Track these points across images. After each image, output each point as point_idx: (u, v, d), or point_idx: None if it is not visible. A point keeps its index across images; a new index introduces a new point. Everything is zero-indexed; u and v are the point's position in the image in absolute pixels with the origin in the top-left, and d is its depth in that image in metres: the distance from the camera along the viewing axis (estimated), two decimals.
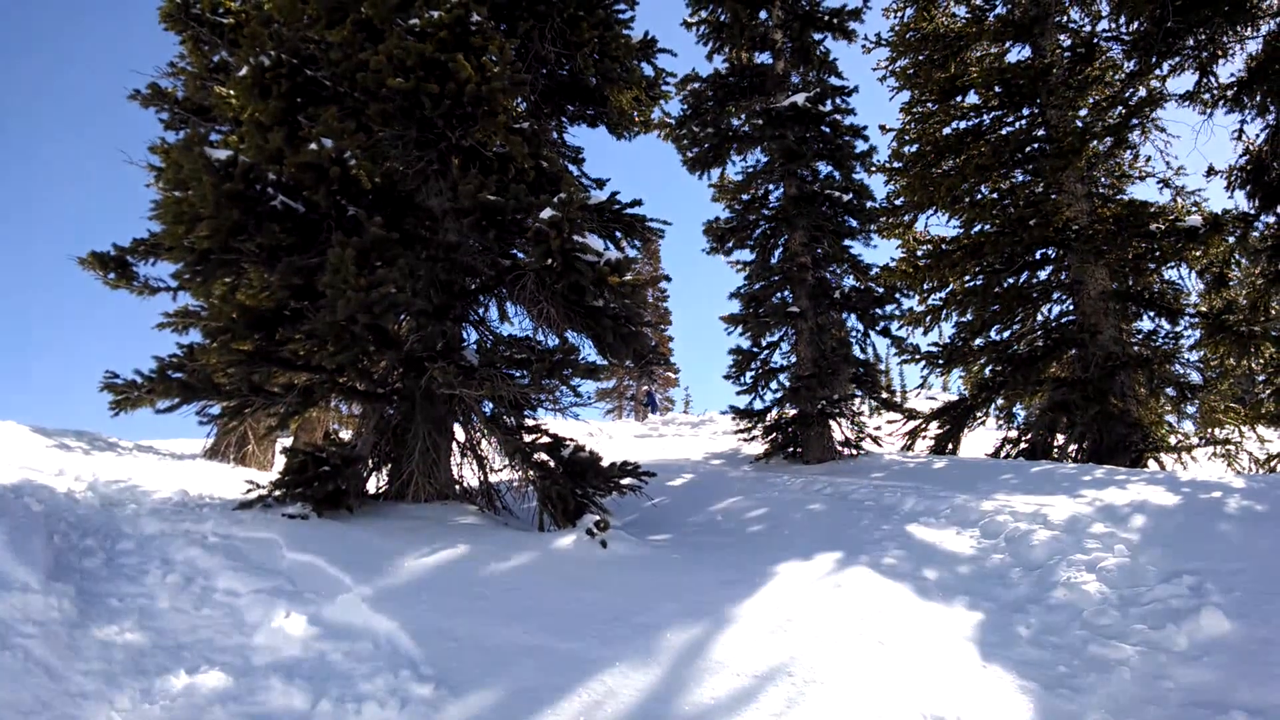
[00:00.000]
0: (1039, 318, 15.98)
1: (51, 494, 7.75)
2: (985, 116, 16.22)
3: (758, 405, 16.16)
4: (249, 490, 7.78)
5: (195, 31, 14.59)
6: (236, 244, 7.83)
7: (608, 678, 4.81)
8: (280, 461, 15.99)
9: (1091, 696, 4.77)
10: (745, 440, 16.50)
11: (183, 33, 14.81)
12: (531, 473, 7.92)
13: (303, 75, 8.60)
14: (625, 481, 8.25)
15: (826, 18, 16.75)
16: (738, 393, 16.36)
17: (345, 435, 16.25)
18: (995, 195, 16.10)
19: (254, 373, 8.10)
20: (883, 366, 15.57)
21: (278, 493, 7.50)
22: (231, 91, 12.60)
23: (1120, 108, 14.12)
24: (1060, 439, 14.73)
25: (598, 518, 7.47)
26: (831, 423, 15.05)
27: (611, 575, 6.62)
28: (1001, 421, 16.73)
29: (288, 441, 16.06)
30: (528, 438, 8.35)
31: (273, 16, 9.02)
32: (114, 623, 5.18)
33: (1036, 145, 15.40)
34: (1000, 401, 16.25)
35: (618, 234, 9.46)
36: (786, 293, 15.80)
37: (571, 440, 8.50)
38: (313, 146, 7.30)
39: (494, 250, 8.51)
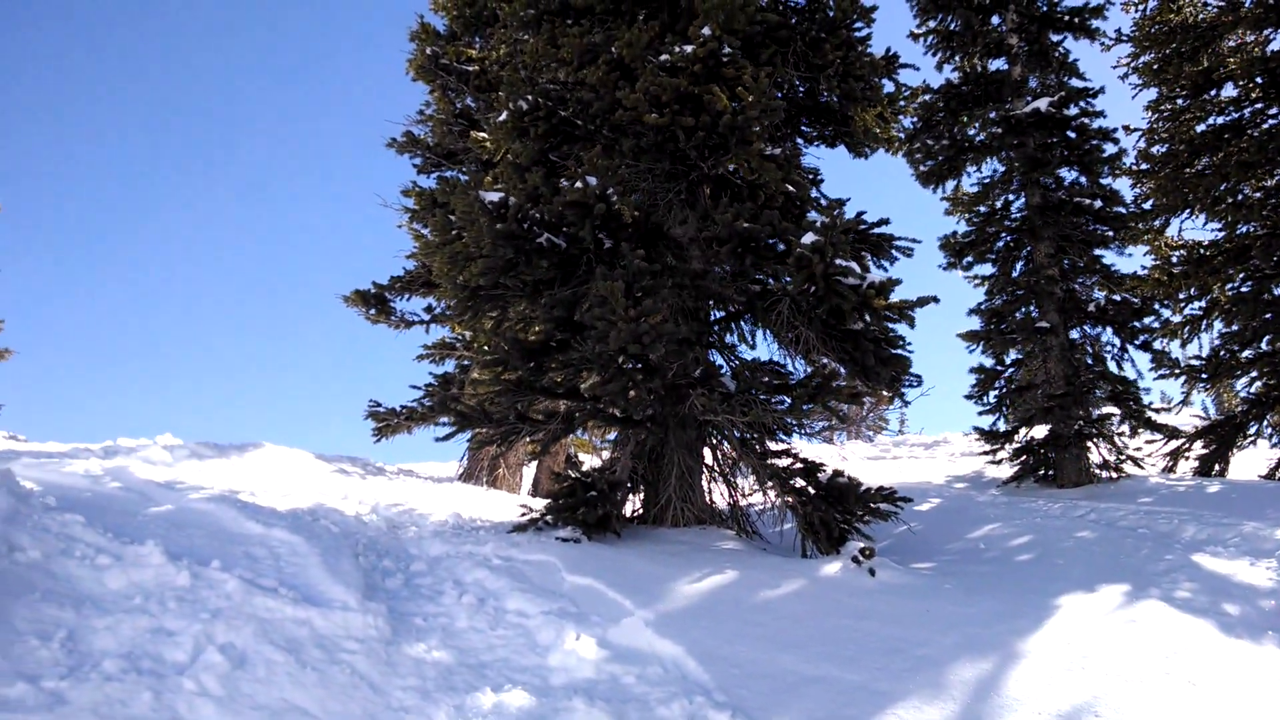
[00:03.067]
0: None
1: (342, 517, 8.39)
2: (1245, 110, 14.95)
3: (1002, 426, 15.48)
4: (522, 514, 8.15)
5: (443, 81, 15.57)
6: (505, 280, 8.27)
7: (902, 711, 4.72)
8: (527, 484, 16.73)
9: None
10: (990, 462, 15.80)
11: (431, 82, 15.85)
12: (789, 498, 7.90)
13: (557, 117, 9.00)
14: (882, 507, 8.10)
15: (1066, 17, 15.94)
16: (980, 413, 15.73)
17: (583, 458, 16.80)
18: (1259, 195, 14.76)
19: (519, 401, 8.50)
20: (1141, 383, 14.47)
21: (549, 516, 7.83)
22: (485, 135, 13.37)
23: None
24: None
25: (862, 544, 7.35)
26: (1088, 444, 14.19)
27: (883, 604, 6.49)
28: (1277, 440, 15.31)
29: (532, 466, 16.76)
30: (781, 462, 8.33)
31: (525, 62, 9.50)
32: (422, 640, 5.54)
33: None
34: (1275, 418, 14.87)
35: (864, 254, 9.33)
36: (1031, 308, 15.08)
37: (822, 464, 8.43)
38: (578, 185, 7.62)
39: (744, 276, 8.59)
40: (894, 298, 7.27)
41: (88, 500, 7.21)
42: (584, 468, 8.71)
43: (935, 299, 7.40)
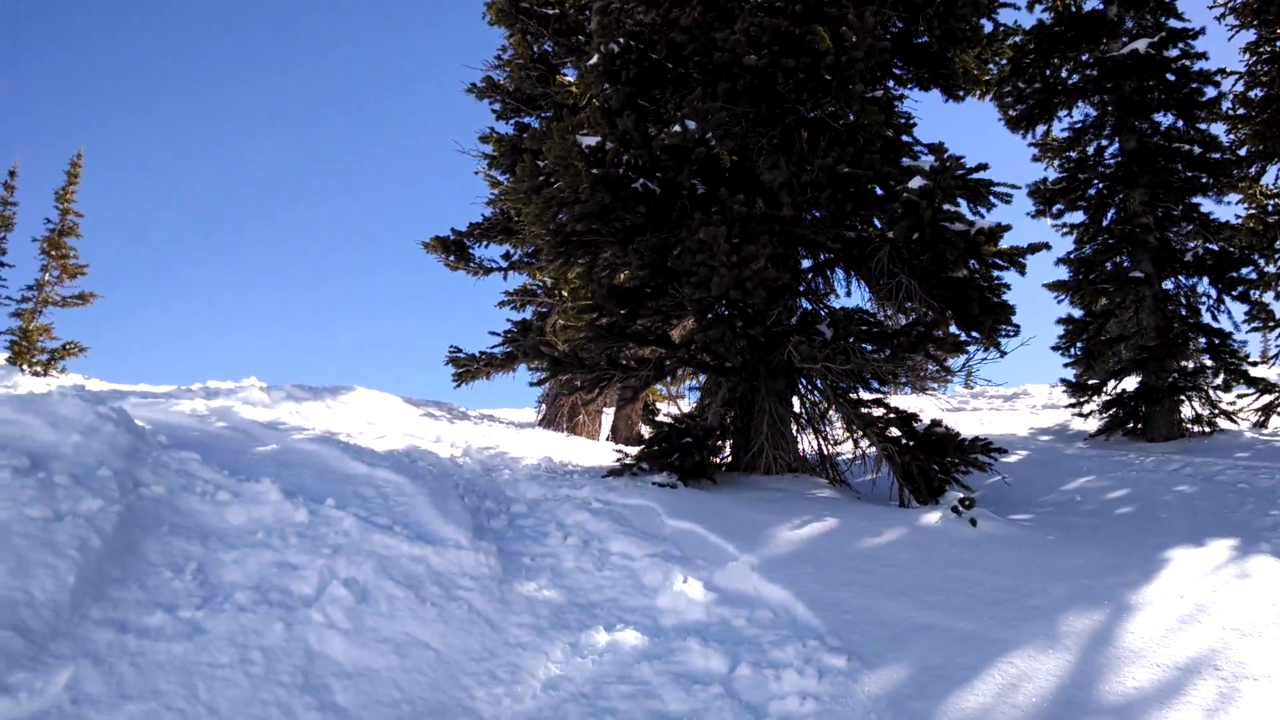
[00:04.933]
0: None
1: (438, 459, 8.54)
2: None
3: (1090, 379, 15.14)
4: (617, 459, 8.21)
5: (523, 25, 15.46)
6: (597, 226, 8.25)
7: (1016, 659, 4.69)
8: (605, 430, 16.85)
9: None
10: (1076, 415, 15.47)
11: (511, 26, 15.75)
12: (885, 447, 7.82)
13: (649, 60, 8.89)
14: (979, 458, 8.00)
15: None
16: (1065, 364, 15.40)
17: (661, 407, 16.85)
18: None
19: (610, 347, 8.51)
20: (1238, 336, 14.03)
21: (644, 462, 7.87)
22: (570, 80, 13.30)
23: None
24: None
25: (961, 494, 7.28)
26: (1180, 397, 13.82)
27: (987, 554, 6.43)
28: None
29: (609, 413, 16.86)
30: (876, 412, 8.25)
31: (614, 4, 9.37)
32: (532, 580, 5.64)
33: None
34: None
35: (960, 201, 9.13)
36: (1123, 257, 14.64)
37: (916, 413, 8.33)
38: (676, 129, 7.53)
39: (838, 223, 8.46)
40: (1002, 244, 7.10)
41: (197, 439, 7.42)
42: (661, 415, 8.73)
43: (1047, 245, 7.21)
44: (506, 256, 17.32)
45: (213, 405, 8.69)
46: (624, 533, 6.41)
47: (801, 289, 9.35)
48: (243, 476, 6.22)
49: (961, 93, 10.53)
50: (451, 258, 17.03)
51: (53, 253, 19.17)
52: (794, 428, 9.22)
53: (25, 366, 17.64)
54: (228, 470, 6.35)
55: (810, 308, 9.30)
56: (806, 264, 9.54)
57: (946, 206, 6.92)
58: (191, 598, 4.67)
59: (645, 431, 15.07)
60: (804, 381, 9.06)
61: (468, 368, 15.94)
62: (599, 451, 10.81)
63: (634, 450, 8.91)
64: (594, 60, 9.03)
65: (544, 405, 16.27)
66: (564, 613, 5.32)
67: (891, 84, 10.76)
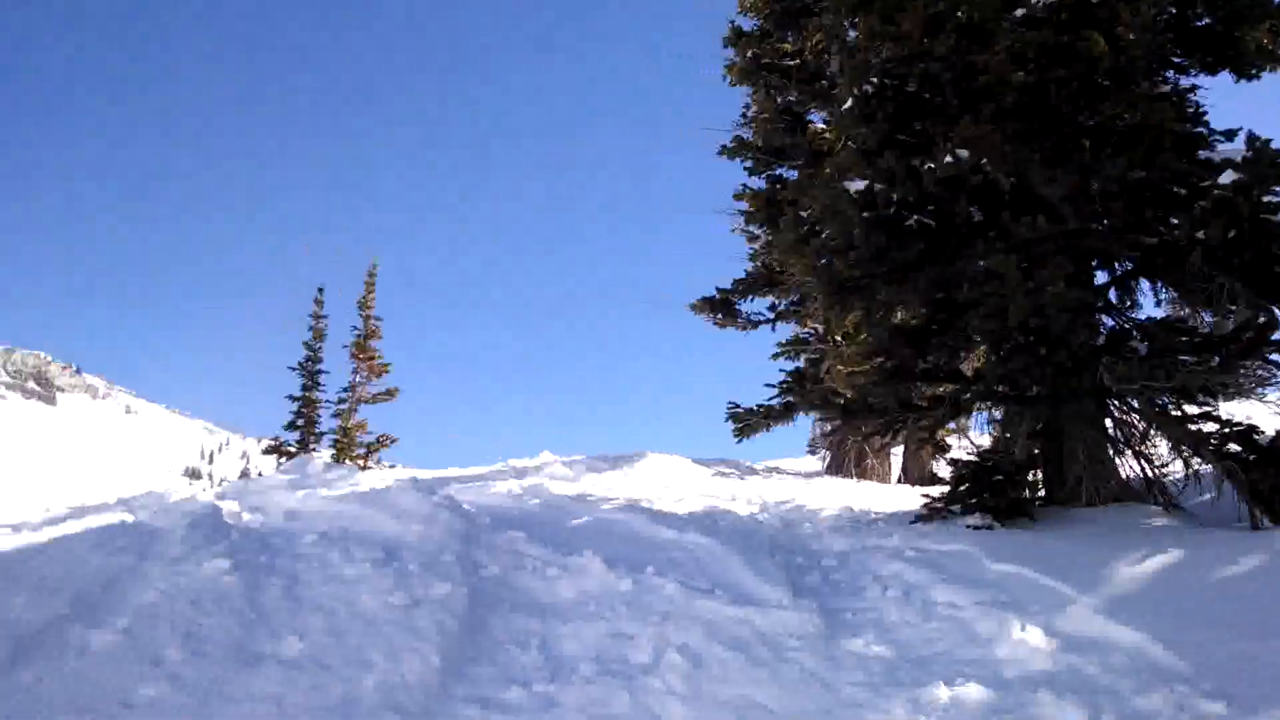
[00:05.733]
0: None
1: (737, 517, 8.61)
2: None
3: None
4: (924, 504, 7.97)
5: (765, 79, 15.66)
6: (870, 268, 8.14)
7: None
8: (895, 471, 16.42)
9: None
10: None
11: (754, 83, 15.99)
12: (1226, 464, 7.11)
13: (903, 95, 8.74)
14: None
15: None
16: None
17: (951, 442, 16.22)
18: None
19: (898, 389, 8.31)
20: None
21: (954, 505, 7.59)
22: (821, 127, 13.33)
23: None
24: None
25: None
26: None
27: None
28: None
29: (898, 452, 16.42)
30: (1207, 427, 7.54)
31: (858, 45, 9.31)
32: (858, 636, 5.52)
33: None
34: None
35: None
36: None
37: (1257, 425, 7.53)
38: (947, 160, 7.34)
39: (1135, 230, 7.88)
40: None
41: (517, 517, 7.91)
42: (955, 451, 8.39)
43: None
44: (772, 308, 17.39)
45: (525, 484, 9.25)
46: (945, 581, 6.17)
47: (1099, 305, 8.76)
48: (565, 550, 6.54)
49: (1255, 70, 9.62)
50: (719, 315, 17.33)
51: (360, 356, 21.26)
52: (1110, 452, 8.58)
53: (347, 460, 19.51)
54: (551, 546, 6.71)
55: (1115, 324, 8.68)
56: (1101, 278, 8.94)
57: (1266, 199, 6.29)
58: (540, 671, 4.95)
59: (941, 470, 14.55)
60: (1115, 403, 8.45)
61: (747, 421, 16.02)
62: (897, 496, 10.53)
63: (935, 491, 8.61)
64: (847, 105, 8.99)
65: (827, 452, 16.08)
66: (897, 669, 5.17)
67: (1171, 73, 10.01)
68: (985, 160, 7.44)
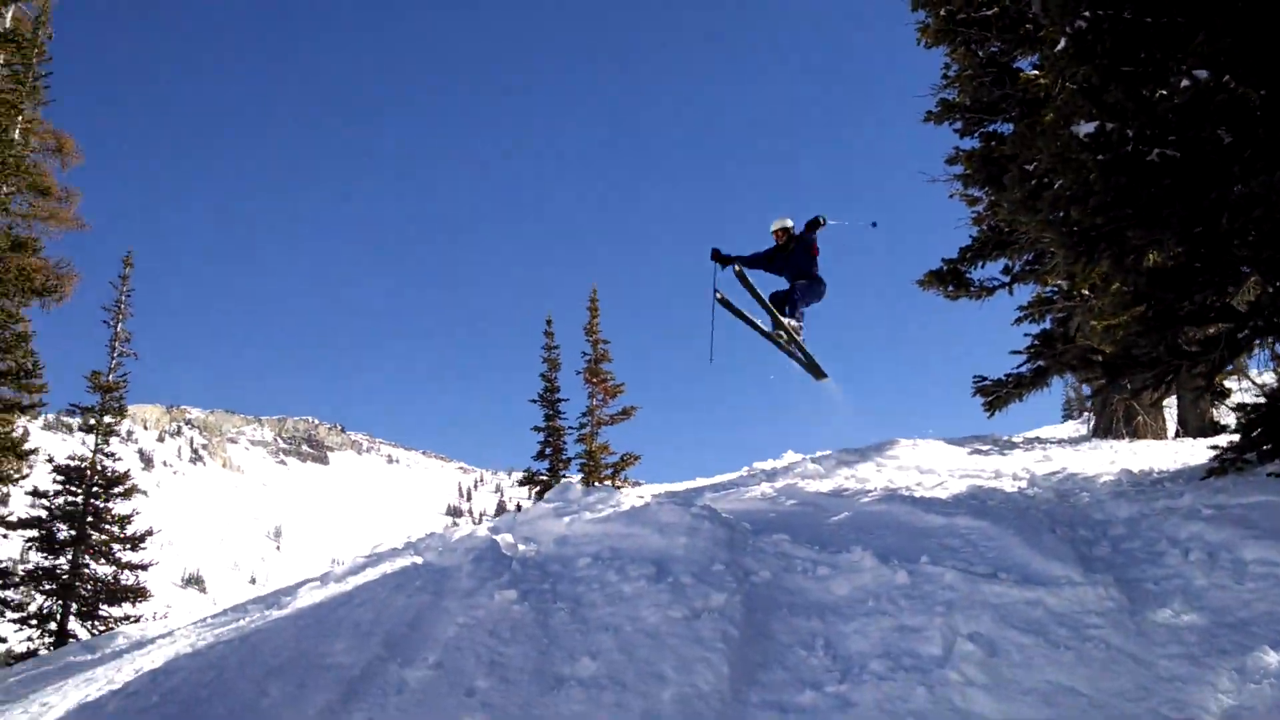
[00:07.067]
0: None
1: (1006, 495, 8.20)
2: None
3: None
4: (1214, 456, 7.36)
5: (964, 35, 14.99)
6: (1115, 213, 7.61)
7: None
8: (1171, 426, 15.23)
9: None
10: None
11: (952, 41, 15.34)
12: None
13: (1122, 23, 8.15)
14: None
15: None
16: None
17: (1230, 385, 14.87)
18: None
19: (1165, 336, 7.71)
20: None
21: (1249, 454, 6.96)
22: (1034, 73, 12.65)
23: None
24: None
25: None
26: None
27: None
28: None
29: (1172, 404, 15.23)
30: None
31: None
32: (1164, 606, 5.16)
33: None
34: None
35: None
36: None
37: None
38: (1184, 83, 6.78)
39: None
40: None
41: (775, 520, 7.91)
42: (1233, 397, 7.68)
43: None
44: (1006, 270, 16.56)
45: (777, 486, 9.24)
46: (1255, 537, 5.65)
47: None
48: (833, 549, 6.47)
49: None
50: (949, 287, 16.66)
51: (594, 380, 21.95)
52: None
53: (596, 483, 20.17)
54: (816, 545, 6.66)
55: None
56: None
57: None
58: (830, 672, 4.92)
59: (1224, 418, 13.38)
60: None
61: (997, 394, 15.30)
62: (1179, 451, 9.73)
63: (1223, 441, 7.92)
64: (1060, 45, 8.49)
65: (1089, 415, 15.11)
66: (1214, 637, 4.79)
67: None
68: (1228, 77, 6.79)
